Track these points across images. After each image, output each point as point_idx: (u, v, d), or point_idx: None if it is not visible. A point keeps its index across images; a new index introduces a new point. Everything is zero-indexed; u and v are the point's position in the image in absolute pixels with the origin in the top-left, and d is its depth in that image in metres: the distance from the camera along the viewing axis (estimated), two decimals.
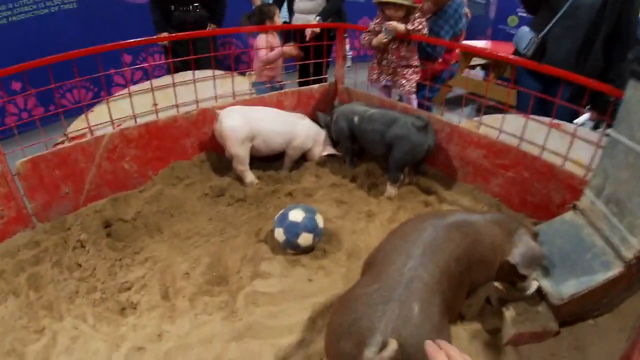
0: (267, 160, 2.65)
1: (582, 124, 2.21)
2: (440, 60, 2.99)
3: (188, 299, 1.74)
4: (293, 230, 1.88)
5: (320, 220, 1.95)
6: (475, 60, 4.55)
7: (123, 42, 2.21)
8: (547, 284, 1.59)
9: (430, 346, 0.76)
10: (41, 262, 1.91)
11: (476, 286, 1.53)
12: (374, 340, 1.01)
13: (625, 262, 1.48)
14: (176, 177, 2.42)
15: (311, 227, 1.90)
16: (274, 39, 3.13)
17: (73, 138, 2.17)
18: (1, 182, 1.98)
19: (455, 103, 4.01)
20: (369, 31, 2.75)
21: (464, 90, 4.27)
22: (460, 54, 4.22)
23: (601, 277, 1.52)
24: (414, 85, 2.70)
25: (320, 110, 2.91)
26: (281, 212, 1.96)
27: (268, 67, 3.07)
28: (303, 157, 2.70)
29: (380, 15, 2.69)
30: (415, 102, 2.81)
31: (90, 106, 2.27)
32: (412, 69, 2.68)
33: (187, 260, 1.94)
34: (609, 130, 1.67)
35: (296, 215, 1.89)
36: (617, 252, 1.52)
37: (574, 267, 1.60)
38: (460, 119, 2.41)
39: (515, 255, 1.48)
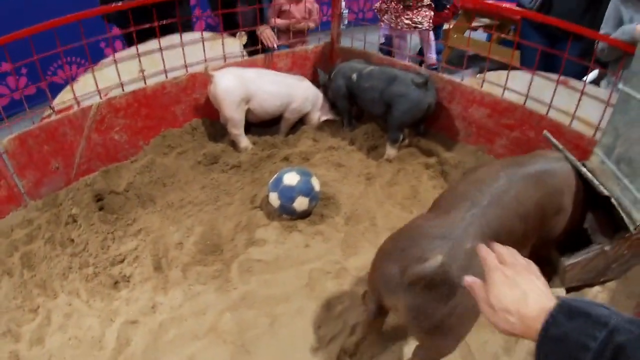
0: (263, 125, 2.54)
1: (594, 81, 2.09)
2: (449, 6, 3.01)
3: (181, 270, 1.71)
4: (288, 194, 1.81)
5: (316, 183, 1.88)
6: (477, 22, 4.33)
7: (108, 6, 2.07)
8: None
9: (482, 248, 0.73)
10: (34, 240, 1.87)
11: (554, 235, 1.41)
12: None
13: (636, 225, 1.39)
14: (168, 145, 2.33)
15: (307, 190, 1.82)
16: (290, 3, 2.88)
17: (59, 111, 2.06)
18: None
19: (458, 64, 3.86)
20: None
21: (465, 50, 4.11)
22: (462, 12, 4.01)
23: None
24: (430, 21, 2.79)
25: (318, 68, 2.79)
26: (275, 175, 1.89)
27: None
28: (300, 121, 2.60)
29: None
30: (433, 39, 2.90)
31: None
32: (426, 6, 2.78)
33: (180, 230, 1.89)
34: (621, 85, 1.55)
35: (291, 178, 1.82)
36: (627, 215, 1.42)
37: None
38: (463, 77, 2.27)
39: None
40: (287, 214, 1.87)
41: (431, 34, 2.99)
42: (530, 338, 0.61)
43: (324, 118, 2.59)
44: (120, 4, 2.05)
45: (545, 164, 1.39)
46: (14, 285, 1.67)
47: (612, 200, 1.37)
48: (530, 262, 0.70)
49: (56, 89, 2.16)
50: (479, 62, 3.93)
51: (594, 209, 1.47)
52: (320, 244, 1.79)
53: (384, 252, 1.18)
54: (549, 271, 1.47)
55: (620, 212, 1.37)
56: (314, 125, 2.59)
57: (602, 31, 2.04)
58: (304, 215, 1.89)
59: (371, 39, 2.78)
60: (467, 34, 4.23)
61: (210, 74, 2.25)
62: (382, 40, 3.50)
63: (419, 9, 2.80)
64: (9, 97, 3.70)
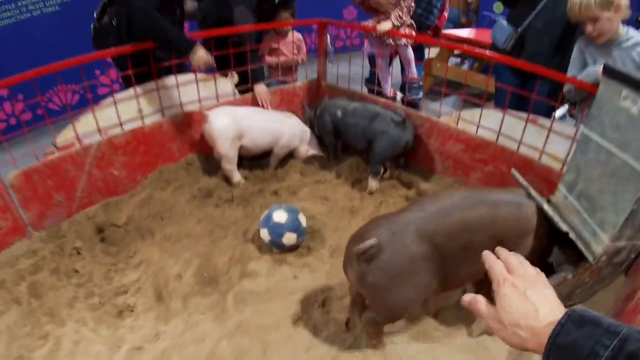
0: (253, 158, 2.69)
1: (562, 117, 2.25)
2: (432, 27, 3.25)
3: (181, 300, 1.83)
4: (277, 230, 1.96)
5: (303, 220, 2.02)
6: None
7: (110, 50, 2.23)
8: None
9: (488, 256, 0.71)
10: (40, 271, 1.97)
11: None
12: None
13: (595, 256, 1.54)
14: (164, 180, 2.47)
15: (294, 227, 1.97)
16: (279, 41, 3.10)
17: (62, 148, 2.20)
18: None
19: (438, 93, 4.06)
20: None
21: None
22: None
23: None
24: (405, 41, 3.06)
25: (304, 104, 2.97)
26: (265, 213, 2.03)
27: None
28: (289, 154, 2.75)
29: None
30: (411, 54, 3.11)
31: (75, 108, 2.27)
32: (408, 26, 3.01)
33: (179, 263, 2.01)
34: (582, 128, 1.71)
35: (280, 216, 1.96)
36: (587, 247, 1.58)
37: None
38: (440, 112, 2.45)
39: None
40: (277, 248, 2.01)
41: (410, 51, 3.18)
42: (542, 353, 0.58)
43: (311, 152, 2.74)
44: (117, 48, 2.21)
45: (507, 197, 1.56)
46: (23, 313, 1.77)
47: (571, 235, 1.52)
48: (539, 271, 0.68)
49: (52, 113, 2.26)
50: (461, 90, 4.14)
51: (560, 242, 1.62)
52: (307, 276, 1.93)
53: (351, 238, 1.51)
54: None
55: (579, 245, 1.52)
56: (301, 159, 2.74)
57: (568, 73, 2.22)
58: (293, 248, 2.03)
59: (356, 70, 2.93)
60: (451, 61, 4.47)
61: (204, 114, 2.40)
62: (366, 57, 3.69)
63: (401, 28, 2.99)
64: (6, 122, 3.84)
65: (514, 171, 1.77)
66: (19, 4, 3.85)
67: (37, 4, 3.96)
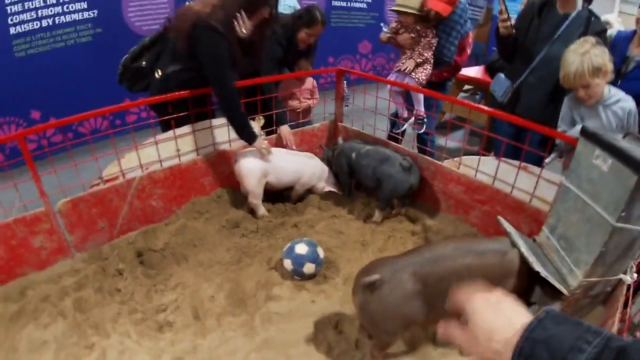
0: (276, 192, 3.01)
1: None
2: (452, 63, 3.40)
3: (215, 319, 2.11)
4: (299, 261, 2.27)
5: (321, 252, 2.34)
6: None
7: (149, 98, 2.60)
8: None
9: (459, 291, 0.71)
10: (83, 288, 2.23)
11: None
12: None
13: (570, 289, 1.83)
14: (197, 211, 2.79)
15: (313, 258, 2.29)
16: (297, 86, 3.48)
17: (107, 181, 2.54)
18: (45, 219, 2.33)
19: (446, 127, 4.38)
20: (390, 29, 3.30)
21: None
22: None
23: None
24: (424, 77, 3.20)
25: (321, 144, 3.31)
26: (289, 245, 2.34)
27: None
28: (308, 190, 3.08)
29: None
30: (421, 98, 3.28)
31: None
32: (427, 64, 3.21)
33: (212, 286, 2.31)
34: (562, 179, 2.02)
35: (301, 248, 2.28)
36: (563, 281, 1.87)
37: None
38: (445, 147, 2.81)
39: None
40: (297, 276, 2.32)
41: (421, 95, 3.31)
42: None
43: (327, 189, 3.07)
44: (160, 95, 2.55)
45: (493, 246, 1.87)
46: (69, 326, 2.01)
47: (542, 273, 1.80)
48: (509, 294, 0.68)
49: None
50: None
51: (541, 281, 1.91)
52: (323, 300, 2.22)
53: (359, 271, 1.80)
54: None
55: (552, 281, 1.81)
56: (319, 194, 3.07)
57: (559, 128, 2.54)
58: (311, 277, 2.33)
59: (369, 104, 3.20)
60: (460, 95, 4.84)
61: (235, 154, 2.73)
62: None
63: (424, 64, 3.21)
64: (37, 143, 4.22)
65: (499, 218, 2.08)
66: (54, 32, 4.19)
67: (71, 34, 4.31)
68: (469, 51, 3.48)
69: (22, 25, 3.97)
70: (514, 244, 1.88)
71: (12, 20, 3.90)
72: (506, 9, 2.62)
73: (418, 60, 3.17)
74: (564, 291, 1.81)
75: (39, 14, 4.04)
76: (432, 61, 3.24)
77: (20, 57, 4.01)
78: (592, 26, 2.58)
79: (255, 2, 2.48)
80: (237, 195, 2.90)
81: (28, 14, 3.98)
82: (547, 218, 2.09)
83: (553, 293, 1.88)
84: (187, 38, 2.42)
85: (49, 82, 4.26)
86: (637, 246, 1.78)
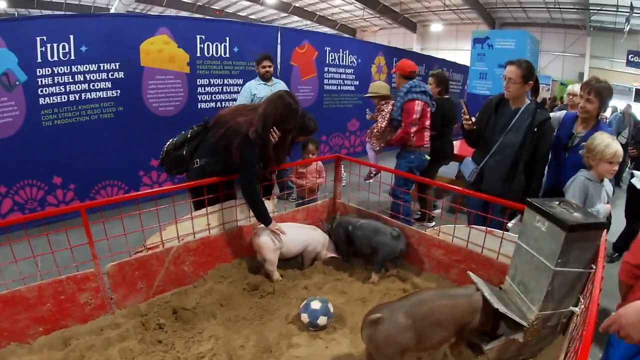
0: (287, 259, 3.56)
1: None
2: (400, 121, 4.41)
3: None
4: (314, 314, 2.76)
5: (331, 307, 2.84)
6: None
7: (189, 182, 3.22)
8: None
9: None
10: (127, 340, 2.55)
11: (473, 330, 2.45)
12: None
13: (529, 322, 2.37)
14: (221, 276, 3.28)
15: (325, 312, 2.78)
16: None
17: (149, 248, 3.02)
18: (93, 279, 2.68)
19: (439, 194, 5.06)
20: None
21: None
22: None
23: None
24: (376, 146, 4.59)
25: (322, 219, 3.95)
26: (305, 302, 2.83)
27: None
28: (314, 257, 3.64)
29: None
30: (373, 157, 4.56)
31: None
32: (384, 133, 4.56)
33: (241, 337, 2.66)
34: (517, 238, 2.64)
35: (316, 304, 2.78)
36: (523, 316, 2.42)
37: None
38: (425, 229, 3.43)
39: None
40: (313, 327, 2.78)
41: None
42: None
43: (329, 255, 3.62)
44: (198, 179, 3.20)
45: (462, 291, 2.49)
46: None
47: (500, 309, 2.34)
48: None
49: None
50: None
51: (505, 318, 2.45)
52: (335, 346, 2.66)
53: (366, 314, 2.34)
54: (476, 349, 2.49)
55: (510, 315, 2.33)
56: (322, 260, 3.62)
57: (572, 199, 3.11)
58: (324, 328, 2.79)
59: (362, 194, 3.94)
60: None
61: (254, 229, 3.32)
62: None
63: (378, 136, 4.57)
64: (56, 205, 4.67)
65: (469, 273, 2.67)
66: (80, 107, 4.73)
67: (95, 110, 4.84)
68: (414, 116, 4.32)
69: (51, 97, 4.45)
70: (478, 289, 2.48)
71: (41, 91, 4.37)
72: (468, 110, 3.41)
73: (375, 131, 4.43)
74: (524, 323, 2.36)
75: (67, 88, 4.55)
76: (387, 130, 4.43)
77: (47, 126, 4.45)
78: (538, 116, 3.28)
79: (285, 121, 3.24)
80: (255, 263, 3.42)
81: (57, 87, 4.47)
82: (508, 269, 2.69)
83: (515, 326, 2.43)
84: (227, 142, 3.08)
85: (71, 151, 4.69)
86: (580, 283, 2.32)
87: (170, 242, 3.12)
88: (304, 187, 4.28)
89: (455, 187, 3.43)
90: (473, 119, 3.49)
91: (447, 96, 5.02)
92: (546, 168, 3.52)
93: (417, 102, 4.34)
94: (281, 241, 3.32)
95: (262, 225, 3.30)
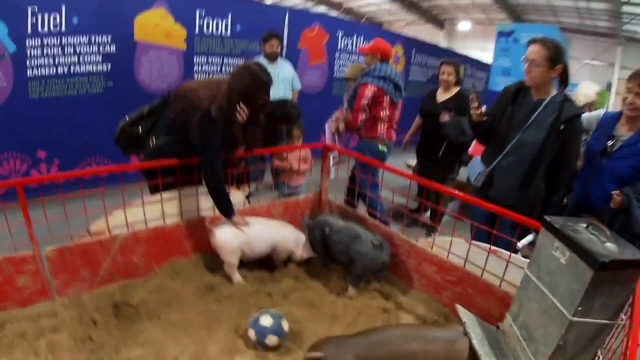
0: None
1: (530, 243, 2.47)
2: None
3: None
4: (262, 332, 2.18)
5: (285, 325, 2.23)
6: None
7: (141, 163, 2.66)
8: None
9: None
10: (59, 332, 2.16)
11: None
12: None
13: None
14: (175, 272, 2.72)
15: (276, 331, 2.19)
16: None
17: (94, 234, 2.54)
18: (32, 262, 2.32)
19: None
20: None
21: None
22: None
23: None
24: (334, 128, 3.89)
25: (303, 213, 3.28)
26: (254, 316, 2.25)
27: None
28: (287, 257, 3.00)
29: None
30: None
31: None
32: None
33: (178, 347, 2.19)
34: (525, 268, 1.95)
35: (266, 320, 2.19)
36: None
37: None
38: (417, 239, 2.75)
39: None
40: (260, 346, 2.20)
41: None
42: None
43: (305, 256, 2.97)
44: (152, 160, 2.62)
45: (443, 334, 1.80)
46: None
47: None
48: None
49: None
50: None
51: None
52: None
53: (310, 346, 1.90)
54: None
55: None
56: (296, 261, 2.99)
57: None
58: (274, 348, 2.21)
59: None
60: None
61: (209, 227, 2.71)
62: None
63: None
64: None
65: (457, 307, 2.00)
66: (68, 80, 4.38)
67: (84, 84, 4.51)
68: (363, 101, 3.68)
69: (40, 69, 4.15)
70: (466, 333, 1.79)
71: (30, 63, 4.08)
72: (477, 97, 2.66)
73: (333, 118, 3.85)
74: None
75: (57, 61, 4.24)
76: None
77: (34, 99, 4.16)
78: (566, 111, 2.51)
79: (254, 96, 2.61)
80: (216, 260, 2.81)
81: (46, 59, 4.17)
82: (510, 305, 2.00)
83: None
84: (186, 119, 2.52)
85: (58, 125, 4.39)
86: (603, 336, 1.67)
87: (119, 230, 2.61)
88: (285, 169, 3.72)
89: (453, 191, 2.69)
90: (483, 108, 2.73)
91: (459, 88, 4.27)
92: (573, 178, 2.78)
93: (369, 86, 3.65)
94: (243, 239, 2.71)
95: (223, 219, 2.71)
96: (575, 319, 1.58)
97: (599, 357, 1.71)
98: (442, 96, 4.28)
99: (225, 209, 2.66)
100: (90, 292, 2.50)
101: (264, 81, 2.56)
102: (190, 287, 2.64)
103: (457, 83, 4.22)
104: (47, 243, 2.38)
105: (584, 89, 4.44)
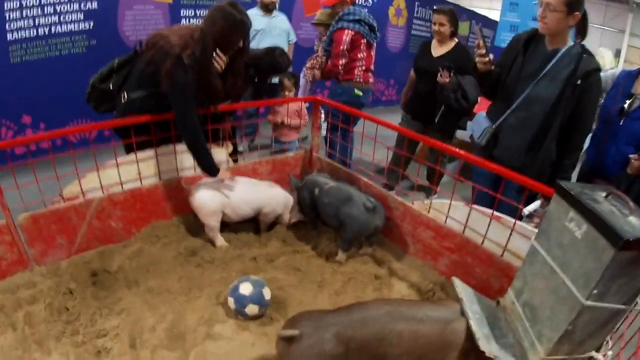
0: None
1: (536, 210, 2.16)
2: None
3: (150, 351, 1.82)
4: (241, 301, 1.94)
5: (267, 293, 2.00)
6: None
7: (111, 121, 2.36)
8: None
9: None
10: (36, 302, 2.01)
11: None
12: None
13: None
14: (155, 235, 2.48)
15: (257, 299, 1.95)
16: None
17: (67, 199, 2.28)
18: (6, 232, 2.10)
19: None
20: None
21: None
22: None
23: None
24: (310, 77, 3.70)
25: (292, 173, 2.98)
26: (234, 283, 2.01)
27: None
28: (275, 220, 2.73)
29: None
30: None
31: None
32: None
33: (155, 316, 2.01)
34: (532, 239, 1.65)
35: (246, 288, 1.95)
36: (524, 354, 1.50)
37: None
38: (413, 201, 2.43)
39: None
40: (241, 316, 1.98)
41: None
42: None
43: (294, 219, 2.69)
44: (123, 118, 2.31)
45: (436, 313, 1.52)
46: (17, 338, 1.81)
47: (488, 353, 1.43)
48: None
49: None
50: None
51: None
52: (264, 345, 1.88)
53: (286, 321, 1.58)
54: None
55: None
56: (285, 224, 2.71)
57: None
58: (255, 318, 2.00)
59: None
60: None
61: (187, 188, 2.42)
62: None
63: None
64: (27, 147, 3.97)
65: (454, 280, 1.71)
66: (50, 41, 4.03)
67: (66, 44, 4.15)
68: (342, 47, 3.46)
69: (20, 32, 3.81)
70: (463, 313, 1.52)
71: (9, 26, 3.74)
72: (484, 42, 2.26)
73: (312, 61, 3.60)
74: None
75: (36, 22, 3.89)
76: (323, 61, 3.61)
77: (15, 63, 3.84)
78: (584, 64, 2.14)
79: (229, 39, 2.25)
80: (199, 222, 2.55)
81: (25, 21, 3.82)
82: (513, 279, 1.72)
83: None
84: (156, 68, 2.18)
85: (41, 89, 4.09)
86: (615, 321, 1.41)
87: (93, 193, 2.35)
88: (275, 124, 3.40)
89: (453, 148, 2.32)
90: (491, 56, 2.33)
91: (457, 41, 3.62)
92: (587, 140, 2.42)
93: (346, 31, 3.47)
94: (225, 201, 2.43)
95: (203, 180, 2.42)
96: (589, 302, 1.30)
97: (608, 342, 1.48)
98: (437, 50, 3.59)
99: (207, 166, 2.36)
100: (68, 260, 2.30)
101: (239, 20, 2.18)
102: (171, 252, 2.41)
103: (453, 35, 3.56)
104: (20, 211, 2.16)
105: (602, 53, 3.98)
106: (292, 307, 2.08)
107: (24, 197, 2.10)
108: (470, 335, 1.48)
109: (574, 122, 2.23)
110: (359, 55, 3.58)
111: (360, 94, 3.69)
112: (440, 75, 3.33)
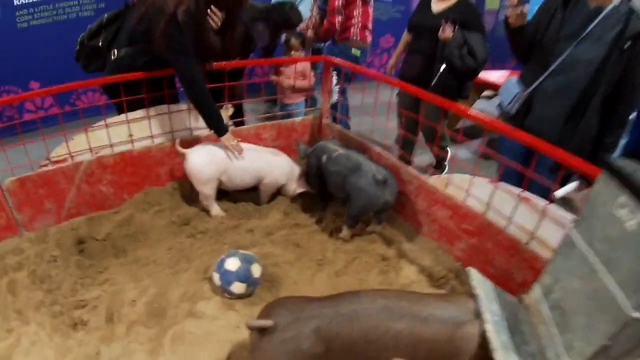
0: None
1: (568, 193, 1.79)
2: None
3: (126, 327, 1.65)
4: (227, 278, 1.71)
5: (256, 271, 1.75)
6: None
7: (98, 79, 2.13)
8: None
9: None
10: (21, 269, 1.89)
11: None
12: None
13: None
14: (148, 202, 2.27)
15: (244, 277, 1.71)
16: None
17: (55, 162, 2.10)
18: None
19: (467, 134, 3.59)
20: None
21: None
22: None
23: None
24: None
25: (301, 140, 2.68)
26: (221, 257, 1.78)
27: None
28: (278, 190, 2.45)
29: None
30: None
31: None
32: None
33: (137, 288, 1.83)
34: (569, 227, 1.31)
35: (232, 264, 1.71)
36: None
37: None
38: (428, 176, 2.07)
39: None
40: (226, 293, 1.76)
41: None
42: None
43: (299, 190, 2.41)
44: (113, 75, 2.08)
45: (444, 312, 1.20)
46: None
47: None
48: None
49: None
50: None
51: None
52: None
53: (262, 308, 1.30)
54: None
55: None
56: (289, 196, 2.43)
57: None
58: (243, 296, 1.76)
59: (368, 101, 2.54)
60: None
61: (181, 151, 2.17)
62: None
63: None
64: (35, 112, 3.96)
65: (470, 270, 1.39)
66: (57, 5, 3.86)
67: (74, 7, 3.95)
68: (336, 3, 3.21)
69: None
70: (478, 314, 1.21)
71: None
72: None
73: (308, 22, 3.46)
74: None
75: None
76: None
77: (22, 28, 3.69)
78: (633, 24, 1.75)
79: None
80: (195, 190, 2.30)
81: None
82: (541, 275, 1.39)
83: None
84: (149, 26, 1.95)
85: (49, 54, 3.92)
86: None
87: (82, 155, 2.15)
88: (279, 85, 3.11)
89: (469, 112, 1.93)
90: (526, 6, 1.90)
91: None
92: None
93: None
94: (222, 167, 2.18)
95: (197, 146, 2.17)
96: (637, 315, 0.98)
97: None
98: (438, 5, 2.80)
99: (215, 124, 2.13)
100: (57, 226, 2.15)
101: None
102: (163, 220, 2.21)
103: None
104: (7, 175, 2.01)
105: None
106: (285, 287, 1.84)
107: (12, 161, 1.95)
108: (484, 342, 1.18)
109: (620, 92, 1.84)
110: (354, 12, 3.31)
111: (358, 53, 3.42)
112: (442, 30, 2.62)
